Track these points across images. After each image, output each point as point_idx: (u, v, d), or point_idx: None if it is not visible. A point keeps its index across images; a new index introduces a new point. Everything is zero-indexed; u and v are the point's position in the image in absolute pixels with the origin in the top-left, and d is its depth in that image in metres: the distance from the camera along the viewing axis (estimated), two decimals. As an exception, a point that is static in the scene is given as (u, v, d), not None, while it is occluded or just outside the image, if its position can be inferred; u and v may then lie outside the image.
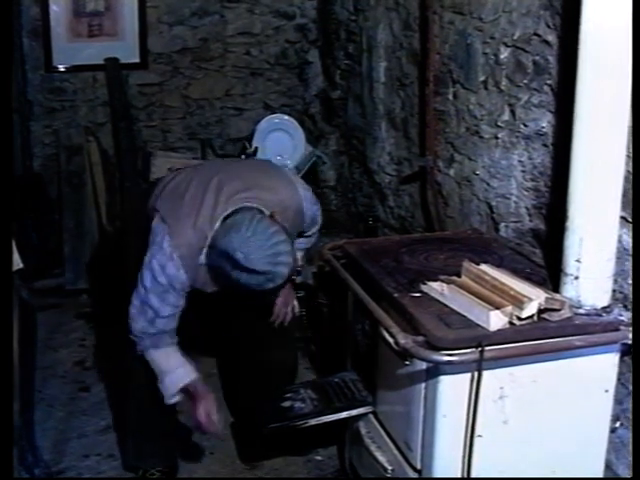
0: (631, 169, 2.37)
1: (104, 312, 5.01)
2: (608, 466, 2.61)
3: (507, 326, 2.28)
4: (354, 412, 2.93)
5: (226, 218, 2.83)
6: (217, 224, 2.83)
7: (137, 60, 5.60)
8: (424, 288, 2.53)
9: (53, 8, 5.33)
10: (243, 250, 2.65)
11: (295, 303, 3.51)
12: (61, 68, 5.48)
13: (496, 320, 2.26)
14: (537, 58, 2.98)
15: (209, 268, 2.85)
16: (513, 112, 3.17)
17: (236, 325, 3.50)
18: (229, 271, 2.70)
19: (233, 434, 3.75)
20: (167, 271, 2.86)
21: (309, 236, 3.40)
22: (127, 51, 5.52)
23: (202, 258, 2.85)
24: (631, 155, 2.35)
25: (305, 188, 3.20)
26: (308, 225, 3.27)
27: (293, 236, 3.13)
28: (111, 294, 5.05)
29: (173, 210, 2.93)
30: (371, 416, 2.92)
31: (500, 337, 2.26)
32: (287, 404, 3.03)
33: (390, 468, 2.72)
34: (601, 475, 2.58)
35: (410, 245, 3.04)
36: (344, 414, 2.93)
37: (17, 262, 2.91)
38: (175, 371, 3.02)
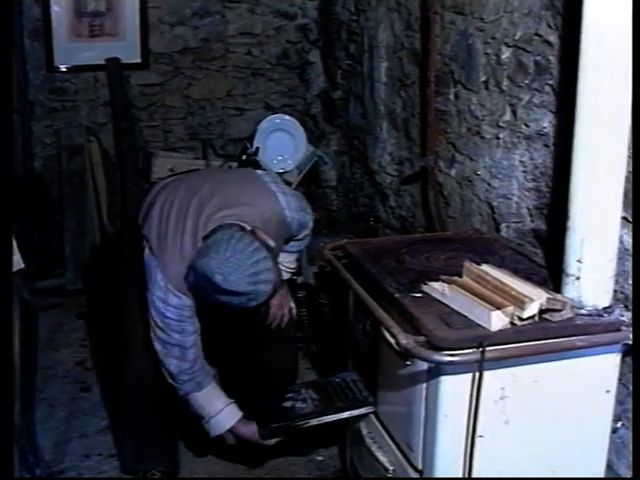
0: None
1: (104, 312, 5.01)
2: (609, 466, 2.61)
3: (508, 326, 2.27)
4: (355, 412, 2.93)
5: (206, 237, 2.85)
6: (199, 245, 2.86)
7: (138, 60, 5.60)
8: (425, 288, 2.53)
9: (54, 8, 5.33)
10: (222, 271, 2.65)
11: (292, 305, 3.51)
12: (62, 68, 5.48)
13: (497, 320, 2.25)
14: (538, 58, 2.98)
15: (191, 288, 2.87)
16: (514, 112, 3.17)
17: (235, 325, 3.50)
18: (210, 293, 2.72)
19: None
20: (170, 302, 2.89)
21: (300, 239, 3.40)
22: (128, 51, 5.52)
23: (190, 279, 2.86)
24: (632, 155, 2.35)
25: (289, 195, 3.20)
26: (297, 230, 3.28)
27: (279, 246, 3.16)
28: (111, 294, 5.07)
29: (159, 240, 2.96)
30: (372, 416, 2.92)
31: (501, 337, 2.26)
32: (288, 404, 3.04)
33: (391, 468, 2.72)
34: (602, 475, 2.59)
35: (411, 245, 3.04)
36: (345, 414, 2.93)
37: (18, 262, 2.91)
38: (219, 414, 3.13)
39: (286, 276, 3.51)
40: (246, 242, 2.72)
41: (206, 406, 3.12)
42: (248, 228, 2.85)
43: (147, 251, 2.97)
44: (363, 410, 2.92)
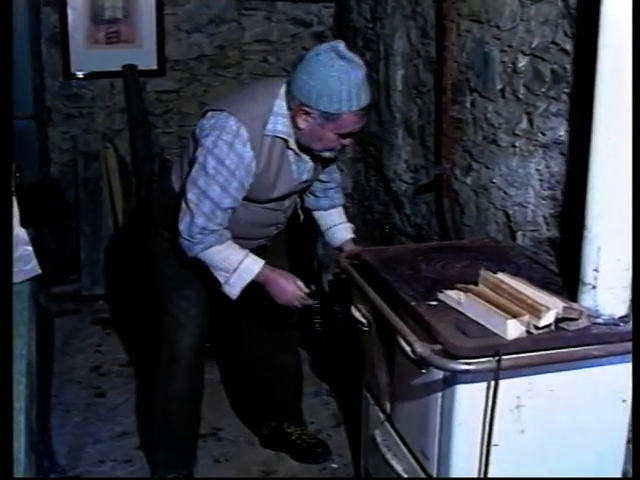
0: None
1: (121, 317, 5.04)
2: (625, 476, 2.60)
3: (524, 335, 2.27)
4: None
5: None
6: (281, 89, 2.89)
7: (155, 67, 5.63)
8: (441, 296, 2.53)
9: (71, 15, 5.36)
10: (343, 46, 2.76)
11: None
12: (79, 75, 5.51)
13: (513, 329, 2.25)
14: (555, 67, 2.98)
15: (296, 87, 2.82)
16: (531, 120, 3.17)
17: (240, 332, 3.54)
18: (327, 61, 2.72)
19: (246, 441, 3.77)
20: (235, 148, 2.81)
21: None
22: (145, 58, 5.55)
23: (269, 127, 2.86)
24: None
25: None
26: None
27: None
28: (128, 299, 5.10)
29: (224, 101, 2.94)
30: (387, 424, 2.92)
31: (517, 346, 2.26)
32: None
33: (406, 476, 2.71)
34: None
35: (427, 253, 3.03)
36: None
37: (35, 268, 2.93)
38: (247, 258, 2.94)
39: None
40: None
41: (231, 254, 2.92)
42: None
43: (208, 115, 2.90)
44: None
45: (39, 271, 2.97)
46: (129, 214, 5.54)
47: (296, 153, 2.98)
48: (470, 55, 3.66)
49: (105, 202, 5.46)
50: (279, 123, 2.87)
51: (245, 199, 2.95)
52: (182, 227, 2.87)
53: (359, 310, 2.94)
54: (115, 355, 4.61)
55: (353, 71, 2.72)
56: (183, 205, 2.88)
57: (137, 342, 4.64)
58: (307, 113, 2.80)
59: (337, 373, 4.21)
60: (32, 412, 2.39)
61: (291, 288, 2.99)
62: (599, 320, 2.37)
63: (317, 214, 3.45)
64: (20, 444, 1.98)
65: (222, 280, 2.93)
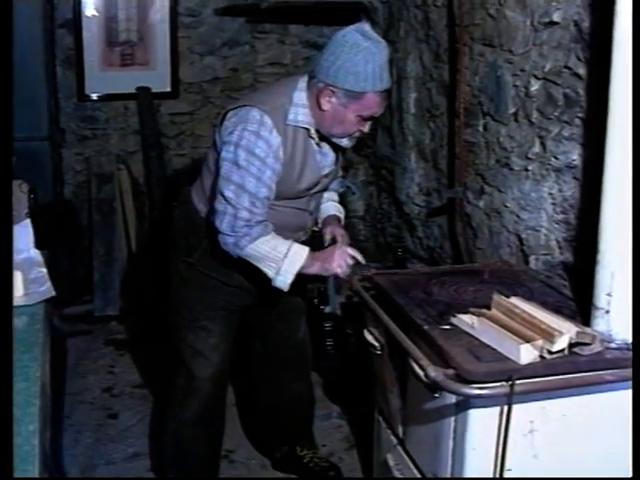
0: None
1: (134, 338, 5.04)
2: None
3: (538, 360, 2.27)
4: None
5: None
6: (299, 83, 2.92)
7: (168, 89, 5.65)
8: (454, 320, 2.53)
9: (86, 38, 5.39)
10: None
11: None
12: (93, 97, 5.53)
13: (527, 354, 2.25)
14: (568, 91, 2.99)
15: (323, 69, 2.81)
16: (543, 144, 3.18)
17: (255, 359, 3.55)
18: (354, 42, 2.72)
19: (258, 464, 3.76)
20: (262, 135, 2.81)
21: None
22: (159, 80, 5.57)
23: (290, 117, 2.87)
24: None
25: None
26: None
27: None
28: (141, 320, 5.10)
29: (242, 100, 2.96)
30: (399, 447, 2.91)
31: (530, 371, 2.25)
32: None
33: (418, 501, 2.71)
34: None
35: (439, 277, 3.03)
36: None
37: (50, 290, 2.93)
38: (289, 252, 2.88)
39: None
40: None
41: (279, 243, 2.88)
42: None
43: (228, 116, 2.92)
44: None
45: (53, 293, 2.97)
46: (142, 235, 5.55)
47: (317, 143, 2.98)
48: (483, 79, 3.67)
49: (118, 223, 5.48)
50: (300, 113, 2.88)
51: (274, 198, 2.93)
52: (224, 226, 2.82)
53: (371, 333, 2.94)
54: (128, 376, 4.60)
55: (378, 52, 2.74)
56: (220, 204, 2.83)
57: (150, 363, 4.63)
58: (332, 93, 2.79)
59: (349, 396, 4.20)
60: (45, 435, 2.39)
61: (336, 255, 2.96)
62: (612, 345, 2.37)
63: None
64: (34, 467, 1.98)
65: (272, 272, 2.87)
